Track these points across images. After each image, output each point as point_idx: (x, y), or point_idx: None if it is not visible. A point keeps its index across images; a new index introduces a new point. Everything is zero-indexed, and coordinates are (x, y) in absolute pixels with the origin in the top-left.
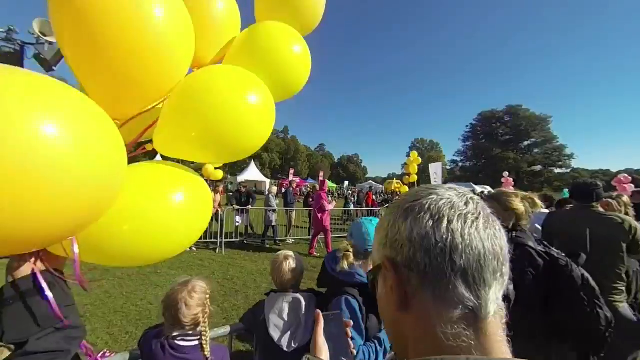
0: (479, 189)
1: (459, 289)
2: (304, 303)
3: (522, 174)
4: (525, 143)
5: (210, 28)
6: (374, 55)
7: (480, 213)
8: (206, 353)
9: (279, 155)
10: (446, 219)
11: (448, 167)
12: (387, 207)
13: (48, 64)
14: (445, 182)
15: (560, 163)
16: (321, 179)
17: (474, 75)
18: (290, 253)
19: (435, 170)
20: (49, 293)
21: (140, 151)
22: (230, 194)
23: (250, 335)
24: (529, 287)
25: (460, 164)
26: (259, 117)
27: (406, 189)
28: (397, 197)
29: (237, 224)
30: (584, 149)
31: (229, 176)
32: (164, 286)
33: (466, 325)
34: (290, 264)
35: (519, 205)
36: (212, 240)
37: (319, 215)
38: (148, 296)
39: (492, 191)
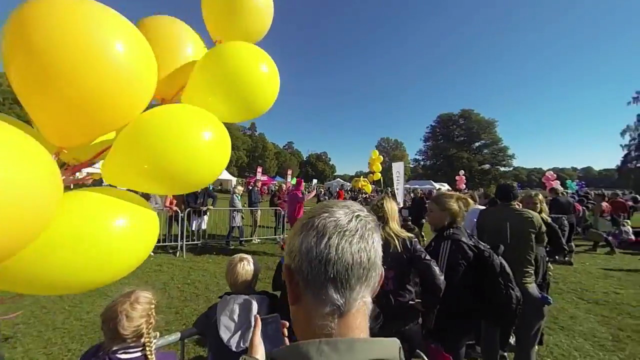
0: (437, 186)
1: (329, 291)
2: (255, 305)
3: (474, 172)
4: (477, 144)
5: (174, 61)
6: (341, 57)
7: (358, 230)
8: None
9: (246, 153)
10: (327, 236)
11: (411, 166)
12: None
13: None
14: (407, 180)
15: (504, 162)
16: (298, 178)
17: (434, 81)
18: (247, 256)
19: (398, 169)
20: None
21: (86, 179)
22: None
23: (205, 339)
24: (462, 275)
25: (422, 163)
26: (213, 153)
27: (369, 188)
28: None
29: (192, 229)
30: (521, 150)
31: None
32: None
33: (332, 319)
34: (245, 266)
35: (453, 205)
36: (172, 243)
37: (297, 208)
38: (96, 308)
39: (444, 190)
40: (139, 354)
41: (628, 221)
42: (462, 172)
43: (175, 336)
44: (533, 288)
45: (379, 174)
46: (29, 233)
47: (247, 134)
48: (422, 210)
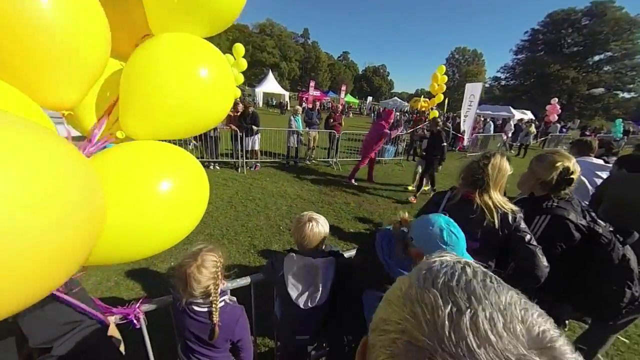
0: (517, 114)
1: None
2: (321, 269)
3: (574, 98)
4: (596, 58)
5: None
6: None
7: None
8: (214, 320)
9: (298, 65)
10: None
11: (487, 86)
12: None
13: None
14: (479, 104)
15: (631, 86)
16: (388, 109)
17: None
18: (317, 216)
19: (473, 91)
20: (66, 297)
21: (109, 139)
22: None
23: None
24: (553, 261)
25: (503, 82)
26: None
27: (436, 113)
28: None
29: (247, 148)
30: None
31: (246, 87)
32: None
33: None
34: (314, 228)
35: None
36: (233, 160)
37: (374, 146)
38: None
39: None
40: (206, 308)
41: None
42: (555, 99)
43: (246, 280)
44: None
45: (442, 95)
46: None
47: (299, 42)
48: (440, 142)
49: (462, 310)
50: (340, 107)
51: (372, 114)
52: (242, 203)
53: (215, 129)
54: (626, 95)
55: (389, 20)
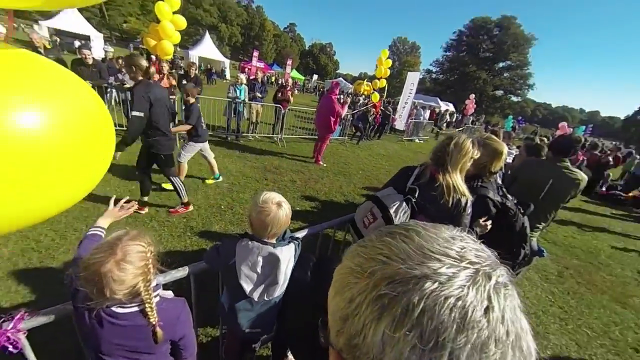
0: (443, 105)
1: None
2: (282, 260)
3: (484, 97)
4: (501, 65)
5: None
6: None
7: (506, 325)
8: (152, 320)
9: (240, 30)
10: (446, 348)
11: (420, 76)
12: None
13: None
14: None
15: (519, 92)
16: (334, 81)
17: None
18: (280, 197)
19: (413, 80)
20: None
21: None
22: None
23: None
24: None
25: (433, 75)
26: None
27: (376, 96)
28: (359, 247)
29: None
30: (537, 81)
31: (178, 48)
32: (109, 181)
33: None
34: (282, 213)
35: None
36: None
37: (332, 119)
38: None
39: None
40: (136, 308)
41: (610, 173)
42: (472, 95)
43: (183, 271)
44: (534, 241)
45: (384, 80)
46: None
47: (243, 4)
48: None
49: (406, 234)
50: (291, 81)
51: (317, 93)
52: None
53: None
54: (515, 98)
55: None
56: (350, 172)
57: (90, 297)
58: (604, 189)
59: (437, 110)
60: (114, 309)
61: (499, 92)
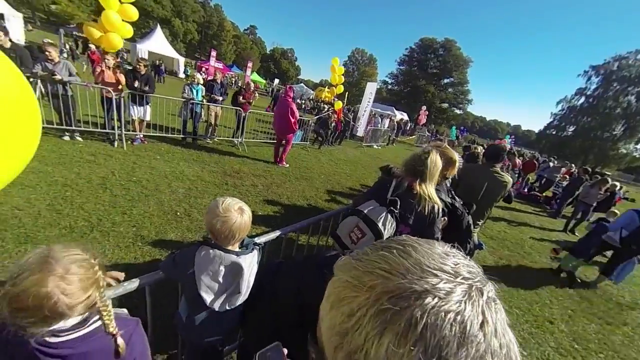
0: (398, 114)
1: None
2: (245, 269)
3: (433, 108)
4: (445, 81)
5: None
6: None
7: (500, 339)
8: (112, 330)
9: (196, 27)
10: None
11: (377, 87)
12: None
13: None
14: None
15: (461, 105)
16: (288, 85)
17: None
18: (241, 203)
19: (371, 90)
20: None
21: None
22: (122, 71)
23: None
24: None
25: (389, 86)
26: None
27: (339, 104)
28: (356, 258)
29: (132, 118)
30: (474, 96)
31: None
32: (36, 187)
33: None
34: (243, 219)
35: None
36: (108, 131)
37: (291, 119)
38: (11, 200)
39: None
40: (96, 325)
41: (529, 177)
42: (424, 107)
43: (134, 284)
44: (475, 237)
45: (342, 87)
46: None
47: (199, 0)
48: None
49: (404, 249)
50: (253, 84)
51: (275, 99)
52: (122, 185)
53: (65, 85)
54: (458, 111)
55: (301, 5)
56: (312, 177)
57: (23, 332)
58: (525, 190)
59: (394, 120)
60: (58, 337)
61: (445, 105)
